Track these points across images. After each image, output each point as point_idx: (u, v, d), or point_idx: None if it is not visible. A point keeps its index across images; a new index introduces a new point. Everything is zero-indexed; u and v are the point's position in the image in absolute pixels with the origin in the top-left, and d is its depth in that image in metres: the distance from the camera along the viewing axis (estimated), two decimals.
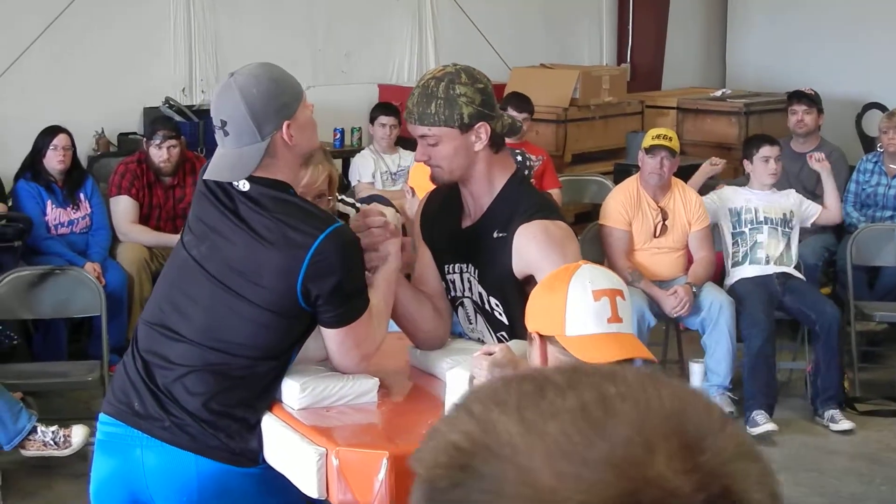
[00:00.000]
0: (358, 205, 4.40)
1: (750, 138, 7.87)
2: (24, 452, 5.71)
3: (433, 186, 3.70)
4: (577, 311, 2.64)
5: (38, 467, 5.83)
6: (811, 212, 7.55)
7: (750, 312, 6.93)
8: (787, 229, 7.26)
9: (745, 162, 7.49)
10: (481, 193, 3.54)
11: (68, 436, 5.74)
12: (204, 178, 3.38)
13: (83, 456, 5.78)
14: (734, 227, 7.29)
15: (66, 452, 5.75)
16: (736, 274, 7.24)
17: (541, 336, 2.70)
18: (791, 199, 7.43)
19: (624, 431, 0.88)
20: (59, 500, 5.74)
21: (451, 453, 0.92)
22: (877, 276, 8.01)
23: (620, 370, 0.94)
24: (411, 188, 5.77)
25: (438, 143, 3.44)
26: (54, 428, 5.73)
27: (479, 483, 0.89)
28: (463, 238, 3.58)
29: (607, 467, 0.87)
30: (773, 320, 6.97)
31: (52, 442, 5.70)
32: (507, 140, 3.63)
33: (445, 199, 3.66)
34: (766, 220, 7.25)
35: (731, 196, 7.39)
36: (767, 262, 7.20)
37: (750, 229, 7.25)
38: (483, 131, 3.44)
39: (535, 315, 2.73)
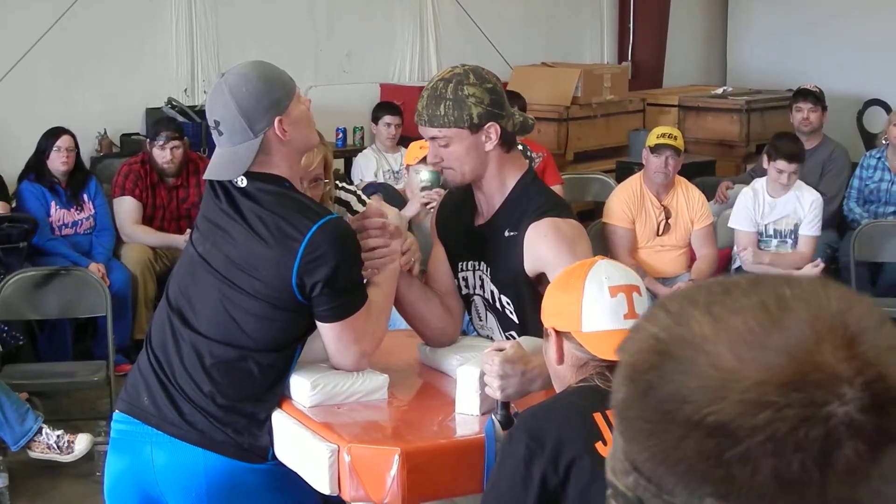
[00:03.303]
0: (359, 192, 4.39)
1: (778, 139, 7.60)
2: (31, 453, 5.72)
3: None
4: (594, 307, 2.64)
5: (45, 468, 5.82)
6: (806, 228, 7.47)
7: None
8: (795, 236, 7.31)
9: (765, 157, 7.45)
10: (493, 192, 3.55)
11: (72, 442, 5.74)
12: (203, 177, 3.42)
13: (90, 456, 5.79)
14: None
15: (68, 458, 5.74)
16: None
17: (557, 332, 2.70)
18: (806, 205, 7.35)
19: (797, 325, 1.05)
20: (66, 500, 5.75)
21: (650, 342, 1.10)
22: (879, 273, 8.02)
23: (797, 277, 1.12)
24: (407, 165, 5.83)
25: (449, 145, 3.45)
26: (60, 432, 5.73)
27: (674, 365, 1.06)
28: (475, 236, 3.60)
29: (782, 353, 1.03)
30: None
31: (55, 446, 5.70)
32: None
33: (460, 197, 3.68)
34: (776, 234, 7.30)
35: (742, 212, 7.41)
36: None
37: (760, 240, 7.31)
38: (493, 131, 3.45)
39: (551, 311, 2.72)
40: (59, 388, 6.65)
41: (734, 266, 7.42)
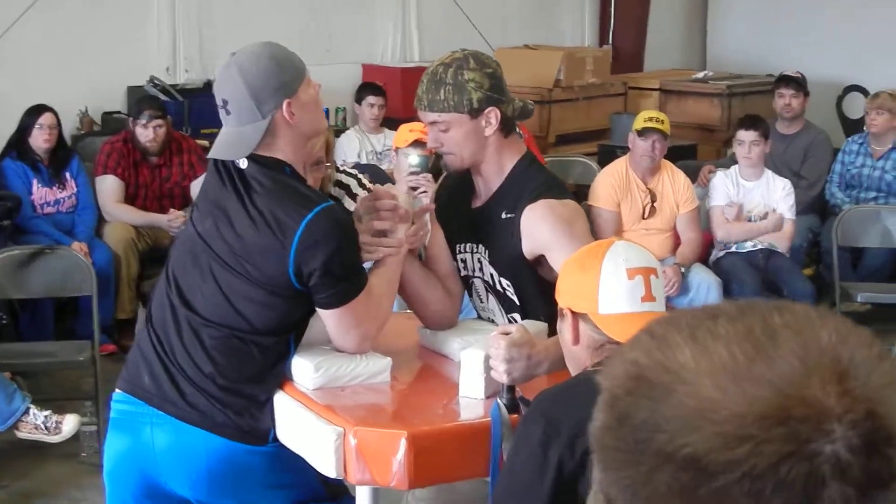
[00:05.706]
0: (360, 175, 4.38)
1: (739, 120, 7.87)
2: (18, 434, 5.68)
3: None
4: (611, 289, 2.62)
5: (31, 448, 5.78)
6: (784, 212, 7.52)
7: (743, 293, 7.01)
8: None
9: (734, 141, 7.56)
10: (491, 176, 3.55)
11: (60, 422, 5.70)
12: (207, 156, 3.40)
13: (75, 436, 5.76)
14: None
15: (56, 439, 5.70)
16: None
17: (573, 312, 2.68)
18: (778, 191, 7.42)
19: (784, 356, 0.98)
20: (51, 480, 5.72)
21: (628, 367, 1.04)
22: (861, 258, 8.05)
23: (790, 304, 1.05)
24: (396, 148, 5.85)
25: (449, 129, 3.45)
26: (47, 412, 5.69)
27: (650, 392, 1.00)
28: (473, 218, 3.59)
29: (766, 385, 0.97)
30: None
31: (43, 426, 5.66)
32: None
33: (458, 180, 3.68)
34: (750, 220, 7.35)
35: (718, 190, 7.46)
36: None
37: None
38: (493, 116, 3.44)
39: (568, 292, 2.70)
40: (43, 368, 6.61)
41: (713, 258, 7.44)
